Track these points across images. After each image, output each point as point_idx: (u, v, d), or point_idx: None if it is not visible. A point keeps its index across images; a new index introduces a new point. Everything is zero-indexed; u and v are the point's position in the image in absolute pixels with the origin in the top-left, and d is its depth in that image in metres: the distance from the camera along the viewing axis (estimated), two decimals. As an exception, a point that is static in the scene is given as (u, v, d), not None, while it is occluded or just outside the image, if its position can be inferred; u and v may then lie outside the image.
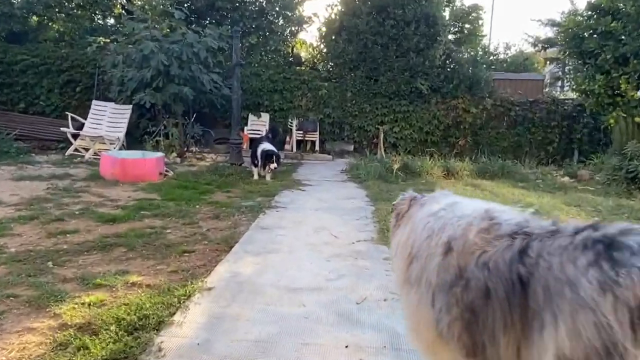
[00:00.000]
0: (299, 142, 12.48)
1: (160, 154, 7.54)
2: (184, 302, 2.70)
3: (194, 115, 11.16)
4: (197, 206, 5.41)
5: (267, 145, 7.63)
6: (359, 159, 10.04)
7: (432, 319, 1.29)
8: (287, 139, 12.43)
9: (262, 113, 12.38)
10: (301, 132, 12.25)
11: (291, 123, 12.43)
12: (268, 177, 7.63)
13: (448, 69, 12.58)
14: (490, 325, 1.10)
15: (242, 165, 8.79)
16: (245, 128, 12.14)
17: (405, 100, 12.45)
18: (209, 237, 4.14)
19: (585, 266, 0.91)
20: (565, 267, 0.94)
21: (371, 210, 5.48)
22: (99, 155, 8.31)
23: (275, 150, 7.61)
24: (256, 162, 7.65)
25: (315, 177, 8.62)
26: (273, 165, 7.47)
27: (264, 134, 11.57)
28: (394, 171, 8.54)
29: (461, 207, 1.36)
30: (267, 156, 7.49)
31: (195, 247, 3.86)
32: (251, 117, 12.32)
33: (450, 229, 1.29)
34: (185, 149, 9.84)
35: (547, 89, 15.55)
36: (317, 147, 12.51)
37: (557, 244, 1.01)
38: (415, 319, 1.38)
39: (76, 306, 2.62)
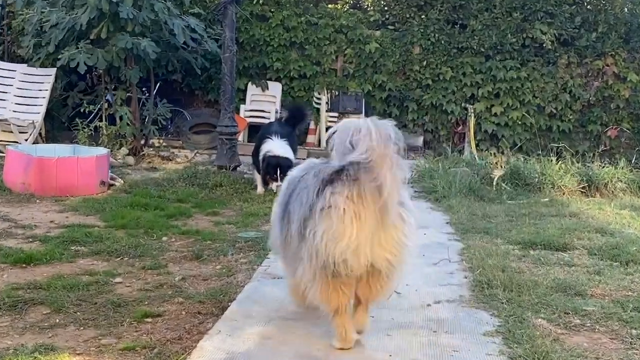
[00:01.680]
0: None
1: (102, 151, 7.70)
2: (148, 401, 2.73)
3: (158, 86, 11.35)
4: (165, 238, 5.51)
5: (273, 144, 7.55)
6: (433, 159, 10.02)
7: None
8: (311, 125, 12.51)
9: (269, 82, 12.52)
10: (335, 114, 12.37)
11: (318, 100, 12.53)
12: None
13: (588, 7, 12.45)
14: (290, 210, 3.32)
15: (238, 169, 8.88)
16: (243, 108, 12.31)
17: (513, 59, 12.38)
18: (185, 291, 4.21)
19: (313, 172, 3.19)
20: (309, 176, 3.20)
21: (457, 248, 5.48)
22: (2, 152, 8.52)
23: (286, 155, 7.49)
24: (260, 165, 7.69)
25: None
26: (276, 185, 7.34)
27: (273, 117, 11.77)
28: (495, 182, 8.51)
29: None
30: (270, 165, 7.41)
31: (163, 307, 3.92)
32: (252, 89, 12.51)
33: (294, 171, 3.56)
34: (144, 141, 10.04)
35: None
36: (361, 140, 12.55)
37: (317, 169, 3.22)
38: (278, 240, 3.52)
39: (-28, 404, 2.69)
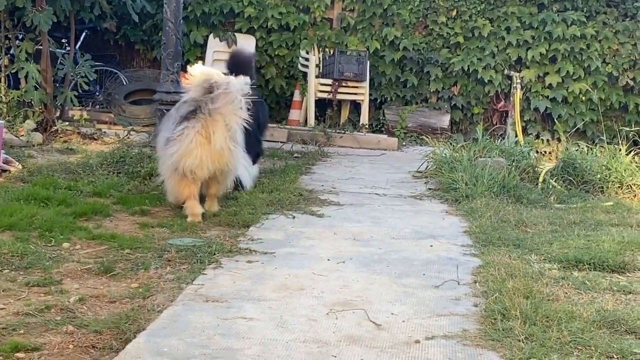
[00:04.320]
0: (322, 105, 12.65)
1: (-7, 123, 7.64)
2: None
3: (83, 37, 11.28)
4: (66, 244, 5.47)
5: None
6: (458, 146, 9.93)
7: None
8: (296, 96, 12.45)
9: (239, 35, 12.45)
10: (328, 82, 12.42)
11: (305, 61, 12.46)
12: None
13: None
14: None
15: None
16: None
17: (576, 10, 12.31)
18: (80, 317, 4.12)
19: (176, 107, 6.91)
20: (174, 111, 6.86)
21: (471, 266, 5.43)
22: None
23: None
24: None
25: (352, 184, 8.67)
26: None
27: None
28: (541, 178, 8.47)
29: None
30: None
31: (43, 338, 3.84)
32: (214, 43, 12.53)
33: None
34: (58, 113, 9.96)
35: None
36: (364, 118, 12.55)
37: (179, 106, 6.89)
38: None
39: None
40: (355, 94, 12.47)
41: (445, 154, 9.36)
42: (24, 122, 9.41)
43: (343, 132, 11.99)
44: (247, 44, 12.38)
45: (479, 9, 12.47)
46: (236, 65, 8.39)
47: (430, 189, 8.46)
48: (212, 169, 6.35)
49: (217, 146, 6.24)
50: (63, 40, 10.88)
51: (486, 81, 12.48)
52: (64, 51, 10.54)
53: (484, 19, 12.48)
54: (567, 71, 12.28)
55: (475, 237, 6.26)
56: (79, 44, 10.56)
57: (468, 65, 12.45)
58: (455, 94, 12.74)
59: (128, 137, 10.07)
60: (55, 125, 9.69)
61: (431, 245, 6.02)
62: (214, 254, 5.36)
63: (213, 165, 6.32)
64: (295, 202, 7.33)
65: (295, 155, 10.44)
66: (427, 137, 11.65)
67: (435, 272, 5.26)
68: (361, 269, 5.30)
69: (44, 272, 4.82)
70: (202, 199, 6.71)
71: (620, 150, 9.21)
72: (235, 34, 12.48)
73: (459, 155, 9.15)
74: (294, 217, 6.76)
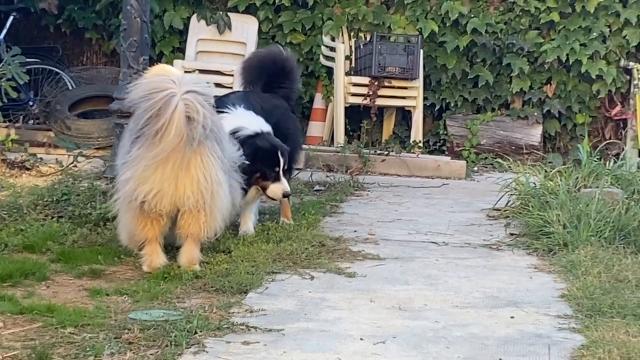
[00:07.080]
0: (355, 115, 12.74)
1: None
2: None
3: (10, 22, 11.39)
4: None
5: (242, 117, 7.98)
6: (553, 172, 9.87)
7: None
8: (317, 102, 12.48)
9: (233, 16, 12.48)
10: (364, 80, 12.51)
11: (330, 51, 12.47)
12: (247, 227, 7.98)
13: None
14: None
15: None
16: (180, 65, 12.14)
17: None
18: None
19: (129, 127, 7.46)
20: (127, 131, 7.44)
21: (570, 346, 5.33)
22: None
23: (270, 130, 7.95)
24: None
25: (397, 229, 8.74)
26: (280, 190, 7.84)
27: (237, 83, 11.57)
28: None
29: None
30: (259, 152, 7.78)
31: None
32: (199, 28, 12.60)
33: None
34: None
35: None
36: (417, 133, 12.59)
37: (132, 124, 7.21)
38: None
39: None
40: (404, 97, 12.51)
41: (534, 184, 9.32)
42: None
43: (386, 153, 12.00)
44: (245, 28, 12.43)
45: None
46: (260, 74, 8.82)
47: (512, 234, 8.39)
48: (177, 200, 6.49)
49: (184, 169, 6.43)
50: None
51: (594, 77, 12.40)
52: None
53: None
54: None
55: (577, 304, 6.13)
56: (4, 32, 10.62)
57: (567, 55, 12.39)
58: (550, 96, 12.66)
59: (74, 166, 10.11)
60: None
61: (512, 317, 5.90)
62: (196, 333, 5.25)
63: (180, 194, 6.46)
64: (314, 255, 7.25)
65: (317, 188, 10.42)
66: (508, 158, 11.57)
67: (517, 355, 5.14)
68: (409, 352, 5.16)
69: (-50, 363, 4.85)
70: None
71: None
72: (229, 14, 12.49)
73: (554, 184, 9.10)
74: (312, 278, 6.66)
